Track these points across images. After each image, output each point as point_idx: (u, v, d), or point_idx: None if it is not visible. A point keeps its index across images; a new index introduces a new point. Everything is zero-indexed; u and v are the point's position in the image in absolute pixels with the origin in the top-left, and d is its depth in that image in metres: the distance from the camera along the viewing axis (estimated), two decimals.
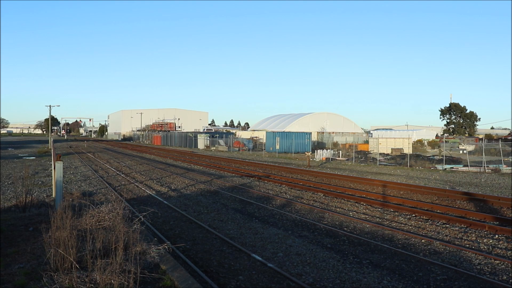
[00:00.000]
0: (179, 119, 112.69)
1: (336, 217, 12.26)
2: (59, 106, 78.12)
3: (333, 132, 79.56)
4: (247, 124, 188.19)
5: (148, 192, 16.87)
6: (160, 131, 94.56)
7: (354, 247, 9.06)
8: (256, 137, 69.35)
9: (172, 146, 71.25)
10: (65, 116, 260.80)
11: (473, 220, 11.69)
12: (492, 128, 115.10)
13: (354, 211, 13.29)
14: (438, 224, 11.43)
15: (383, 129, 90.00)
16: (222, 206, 13.96)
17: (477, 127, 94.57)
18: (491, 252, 8.91)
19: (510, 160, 32.87)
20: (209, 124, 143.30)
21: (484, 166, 28.35)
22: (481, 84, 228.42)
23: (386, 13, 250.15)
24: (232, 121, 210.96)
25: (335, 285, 6.83)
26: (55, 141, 61.77)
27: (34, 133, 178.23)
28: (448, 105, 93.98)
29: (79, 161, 32.70)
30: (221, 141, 62.14)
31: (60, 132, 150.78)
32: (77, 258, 5.99)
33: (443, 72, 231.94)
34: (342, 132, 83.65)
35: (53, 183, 15.04)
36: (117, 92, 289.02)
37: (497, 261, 8.15)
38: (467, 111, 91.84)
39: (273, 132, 55.66)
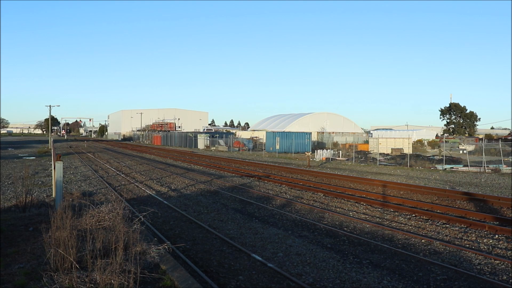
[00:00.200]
0: (179, 119, 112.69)
1: (336, 217, 12.26)
2: (59, 106, 78.21)
3: (333, 132, 79.56)
4: (247, 124, 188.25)
5: (148, 192, 16.87)
6: (160, 131, 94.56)
7: (354, 247, 9.06)
8: (256, 137, 69.36)
9: (172, 146, 71.25)
10: (65, 116, 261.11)
11: (473, 220, 11.69)
12: (492, 128, 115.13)
13: (354, 211, 13.29)
14: (438, 224, 11.43)
15: (383, 129, 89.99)
16: (222, 206, 13.96)
17: (477, 127, 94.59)
18: (491, 252, 8.91)
19: (510, 160, 32.87)
20: (209, 124, 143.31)
21: (484, 166, 28.35)
22: (481, 84, 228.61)
23: (386, 13, 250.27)
24: (232, 121, 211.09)
25: (335, 285, 6.83)
26: (55, 141, 61.79)
27: (34, 133, 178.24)
28: (448, 105, 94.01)
29: (79, 161, 32.70)
30: (221, 141, 62.14)
31: (60, 132, 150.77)
32: (77, 258, 5.99)
33: (443, 72, 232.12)
34: (342, 132, 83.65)
35: (53, 183, 15.04)
36: (117, 92, 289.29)
37: (497, 261, 8.15)
38: (467, 111, 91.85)
39: (273, 132, 55.66)
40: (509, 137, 69.77)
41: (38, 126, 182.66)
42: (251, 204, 14.22)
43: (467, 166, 29.83)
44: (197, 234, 10.05)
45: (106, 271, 5.44)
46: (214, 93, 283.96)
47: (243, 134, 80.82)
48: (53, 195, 13.71)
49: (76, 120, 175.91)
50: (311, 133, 53.79)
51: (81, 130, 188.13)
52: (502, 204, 14.14)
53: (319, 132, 76.03)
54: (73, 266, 5.79)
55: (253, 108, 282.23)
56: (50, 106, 67.94)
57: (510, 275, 7.41)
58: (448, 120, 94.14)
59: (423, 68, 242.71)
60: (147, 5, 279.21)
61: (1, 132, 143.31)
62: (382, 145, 44.16)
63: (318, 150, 42.31)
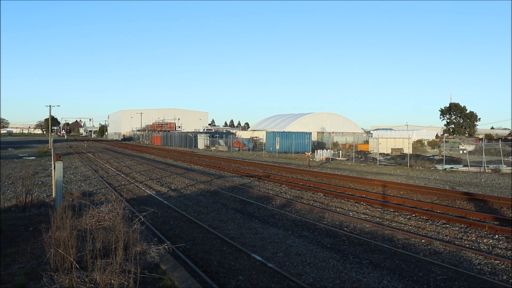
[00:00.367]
0: (179, 119, 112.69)
1: (336, 217, 12.26)
2: (59, 106, 78.25)
3: (333, 132, 79.56)
4: (247, 124, 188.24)
5: (148, 192, 16.88)
6: (160, 131, 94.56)
7: (354, 247, 9.06)
8: (256, 137, 69.35)
9: (172, 146, 71.25)
10: (65, 116, 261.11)
11: (473, 220, 11.69)
12: (492, 128, 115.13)
13: (354, 211, 13.29)
14: (438, 224, 11.43)
15: (383, 129, 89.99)
16: (222, 206, 13.96)
17: (477, 127, 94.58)
18: (491, 252, 8.91)
19: (510, 160, 32.87)
20: (209, 124, 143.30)
21: (484, 166, 28.35)
22: (481, 84, 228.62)
23: (386, 13, 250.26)
24: (232, 121, 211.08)
25: (335, 285, 6.83)
26: (55, 141, 61.78)
27: (34, 133, 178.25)
28: (448, 105, 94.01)
29: (79, 161, 32.70)
30: (221, 141, 62.14)
31: (60, 132, 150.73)
32: (77, 258, 5.99)
33: (443, 72, 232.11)
34: (342, 132, 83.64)
35: (53, 183, 15.04)
36: (117, 92, 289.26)
37: (497, 261, 8.15)
38: (467, 111, 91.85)
39: (273, 132, 55.66)
40: (509, 137, 69.77)
41: (38, 126, 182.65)
42: (251, 204, 14.22)
43: (467, 166, 29.83)
44: (197, 234, 10.05)
45: (106, 271, 5.44)
46: (214, 93, 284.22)
47: (243, 134, 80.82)
48: (53, 195, 13.71)
49: (76, 120, 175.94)
50: (311, 133, 53.78)
51: (81, 130, 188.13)
52: (502, 204, 14.13)
53: (319, 132, 76.03)
54: (73, 266, 5.79)
55: (253, 108, 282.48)
56: (50, 106, 68.03)
57: (510, 275, 7.41)
58: (448, 120, 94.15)
59: (423, 68, 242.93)
60: (147, 5, 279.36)
61: (1, 132, 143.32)
62: (382, 145, 44.16)
63: (318, 150, 42.31)
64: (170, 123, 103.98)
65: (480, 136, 72.01)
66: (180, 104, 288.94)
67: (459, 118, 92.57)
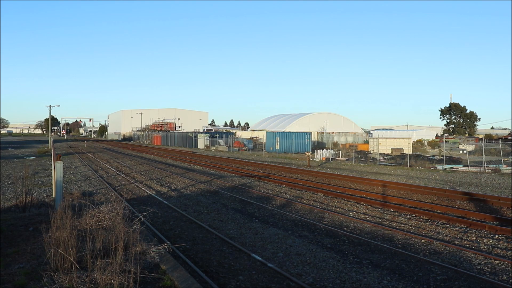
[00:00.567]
0: (179, 119, 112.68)
1: (336, 217, 12.26)
2: (59, 106, 78.27)
3: (333, 132, 79.56)
4: (247, 124, 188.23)
5: (148, 192, 16.88)
6: (160, 131, 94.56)
7: (354, 247, 9.06)
8: (256, 137, 69.35)
9: (172, 146, 71.26)
10: (65, 116, 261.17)
11: (473, 220, 11.69)
12: (492, 128, 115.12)
13: (354, 211, 13.29)
14: (438, 224, 11.43)
15: (383, 129, 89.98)
16: (222, 206, 13.96)
17: (477, 127, 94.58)
18: (491, 252, 8.91)
19: (510, 160, 32.87)
20: (209, 124, 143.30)
21: (484, 166, 28.35)
22: (481, 84, 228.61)
23: (386, 13, 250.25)
24: (232, 121, 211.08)
25: (335, 285, 6.83)
26: (55, 141, 61.78)
27: (34, 133, 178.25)
28: (448, 105, 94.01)
29: (79, 161, 32.70)
30: (221, 141, 62.14)
31: (60, 132, 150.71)
32: (77, 258, 5.99)
33: (443, 72, 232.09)
34: (342, 132, 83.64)
35: (53, 183, 15.04)
36: (117, 92, 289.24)
37: (497, 261, 8.15)
38: (467, 111, 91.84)
39: (273, 132, 55.66)
40: (509, 137, 69.77)
41: (38, 126, 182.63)
42: (251, 204, 14.22)
43: (467, 166, 29.83)
44: (197, 234, 10.05)
45: (106, 271, 5.44)
46: (214, 93, 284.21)
47: (243, 134, 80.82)
48: (53, 195, 13.71)
49: (76, 120, 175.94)
50: (311, 133, 53.78)
51: (81, 130, 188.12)
52: (502, 204, 14.13)
53: (319, 132, 76.03)
54: (73, 266, 5.79)
55: (253, 108, 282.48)
56: (50, 106, 68.02)
57: (510, 275, 7.41)
58: (448, 120, 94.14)
59: (423, 68, 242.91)
60: (147, 5, 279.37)
61: (1, 132, 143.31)
62: (382, 145, 44.16)
63: (318, 150, 42.31)
64: (170, 123, 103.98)
65: (480, 136, 72.02)
66: (180, 104, 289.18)
67: (459, 118, 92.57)
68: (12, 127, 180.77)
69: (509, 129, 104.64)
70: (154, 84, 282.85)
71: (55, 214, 6.97)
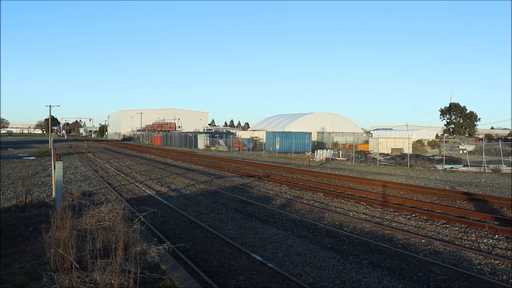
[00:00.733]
0: (179, 119, 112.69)
1: (336, 217, 12.26)
2: (59, 106, 78.34)
3: (333, 132, 79.55)
4: (247, 124, 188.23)
5: (148, 192, 16.88)
6: (160, 131, 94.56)
7: (354, 247, 9.06)
8: (256, 137, 69.35)
9: (172, 146, 71.25)
10: (65, 116, 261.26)
11: (473, 220, 11.69)
12: (492, 128, 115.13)
13: (354, 211, 13.29)
14: (438, 224, 11.43)
15: (383, 129, 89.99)
16: (222, 206, 13.96)
17: (477, 127, 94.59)
18: (491, 252, 8.91)
19: (510, 160, 32.87)
20: (209, 124, 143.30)
21: (484, 166, 28.35)
22: (481, 84, 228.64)
23: (386, 13, 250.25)
24: (232, 121, 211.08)
25: (335, 285, 6.83)
26: (55, 141, 61.78)
27: (34, 133, 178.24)
28: (448, 105, 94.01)
29: (79, 161, 32.70)
30: (221, 141, 62.14)
31: (60, 132, 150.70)
32: (77, 258, 5.99)
33: (443, 72, 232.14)
34: (342, 132, 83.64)
35: (53, 183, 15.04)
36: (117, 92, 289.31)
37: (497, 261, 8.15)
38: (467, 111, 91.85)
39: (273, 132, 55.66)
40: (509, 137, 69.78)
41: (38, 126, 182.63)
42: (251, 204, 14.22)
43: (467, 166, 29.83)
44: (197, 234, 10.05)
45: (106, 271, 5.44)
46: (214, 93, 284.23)
47: (243, 134, 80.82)
48: (53, 195, 13.71)
49: (76, 120, 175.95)
50: (311, 133, 53.78)
51: (81, 130, 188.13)
52: (502, 204, 14.13)
53: (319, 132, 76.03)
54: (73, 266, 5.79)
55: (253, 108, 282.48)
56: (50, 106, 68.04)
57: (510, 275, 7.41)
58: (448, 120, 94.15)
59: (423, 68, 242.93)
60: (147, 5, 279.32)
61: (1, 132, 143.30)
62: (382, 145, 44.16)
63: (318, 150, 42.31)
64: (170, 123, 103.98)
65: (480, 136, 72.02)
66: (180, 104, 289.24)
67: (459, 118, 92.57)
68: (12, 127, 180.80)
69: (509, 129, 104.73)
70: (154, 84, 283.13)
71: (55, 214, 6.97)
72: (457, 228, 10.91)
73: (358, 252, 8.67)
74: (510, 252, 8.87)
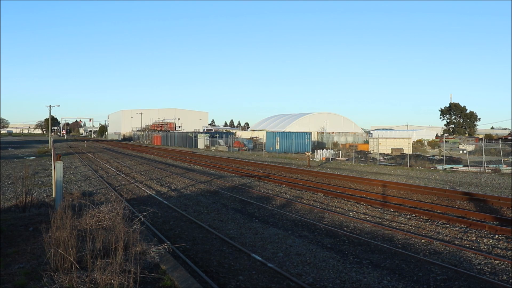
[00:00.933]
0: (179, 119, 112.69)
1: (336, 217, 12.26)
2: (59, 106, 78.35)
3: (333, 132, 79.56)
4: (247, 124, 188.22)
5: (148, 192, 16.87)
6: (160, 131, 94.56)
7: (354, 247, 9.06)
8: (256, 137, 69.35)
9: (172, 146, 71.25)
10: (65, 116, 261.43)
11: (473, 220, 11.69)
12: (492, 128, 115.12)
13: (354, 211, 13.29)
14: (438, 224, 11.43)
15: (383, 129, 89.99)
16: (222, 206, 13.96)
17: (477, 127, 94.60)
18: (491, 252, 8.91)
19: (510, 160, 32.87)
20: (209, 124, 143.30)
21: (484, 166, 28.34)
22: (481, 84, 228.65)
23: (386, 13, 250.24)
24: (232, 121, 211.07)
25: (335, 285, 6.83)
26: (55, 141, 61.78)
27: (34, 133, 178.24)
28: (448, 105, 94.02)
29: (79, 161, 32.70)
30: (221, 141, 62.14)
31: (60, 132, 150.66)
32: (77, 258, 5.99)
33: (443, 72, 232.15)
34: (342, 132, 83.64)
35: (53, 183, 15.04)
36: (117, 92, 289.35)
37: (497, 261, 8.15)
38: (467, 111, 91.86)
39: (273, 132, 55.66)
40: (509, 137, 69.77)
41: (38, 126, 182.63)
42: (251, 204, 14.22)
43: (467, 166, 29.83)
44: (197, 234, 10.05)
45: (106, 271, 5.44)
46: (214, 93, 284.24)
47: (243, 134, 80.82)
48: (53, 195, 13.71)
49: (76, 120, 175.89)
50: (311, 133, 53.78)
51: (81, 130, 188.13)
52: (502, 204, 14.13)
53: (319, 132, 76.03)
54: (73, 266, 5.78)
55: (253, 108, 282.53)
56: (50, 106, 68.04)
57: (510, 275, 7.41)
58: (448, 120, 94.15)
59: (423, 68, 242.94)
60: (147, 5, 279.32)
61: (1, 132, 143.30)
62: (382, 145, 44.16)
63: (318, 150, 42.31)
64: (170, 123, 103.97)
65: (480, 136, 72.02)
66: (180, 104, 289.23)
67: (459, 118, 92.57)
68: (12, 127, 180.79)
69: (509, 129, 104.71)
70: (154, 84, 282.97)
71: (55, 214, 6.97)
72: (457, 228, 10.91)
73: (358, 252, 8.67)
74: (510, 252, 8.87)
